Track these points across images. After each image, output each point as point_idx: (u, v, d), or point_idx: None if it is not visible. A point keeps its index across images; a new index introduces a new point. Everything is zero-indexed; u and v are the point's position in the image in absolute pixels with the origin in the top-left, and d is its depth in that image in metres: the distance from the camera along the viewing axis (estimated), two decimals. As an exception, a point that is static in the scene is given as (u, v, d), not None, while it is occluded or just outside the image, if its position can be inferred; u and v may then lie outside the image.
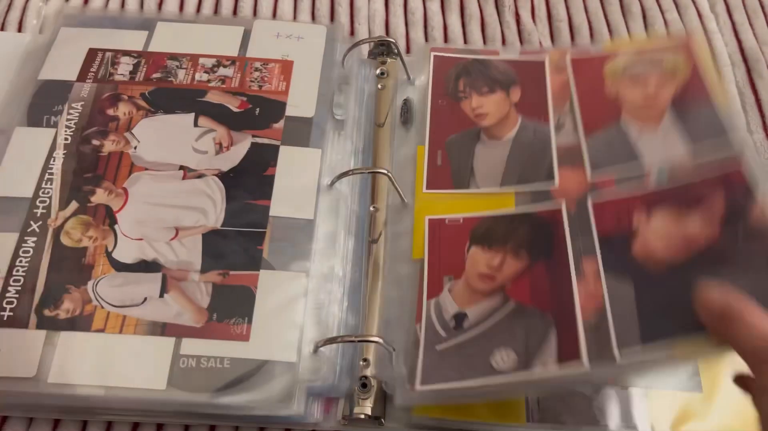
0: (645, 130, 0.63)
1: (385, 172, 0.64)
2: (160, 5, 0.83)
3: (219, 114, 0.66)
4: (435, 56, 0.73)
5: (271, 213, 0.61)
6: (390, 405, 0.57)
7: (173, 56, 0.70)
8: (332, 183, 0.64)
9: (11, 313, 0.55)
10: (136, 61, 0.70)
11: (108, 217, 0.60)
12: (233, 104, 0.67)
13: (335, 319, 0.58)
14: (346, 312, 0.59)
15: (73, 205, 0.60)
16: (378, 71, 0.73)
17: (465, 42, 0.81)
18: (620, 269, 0.55)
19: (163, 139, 0.65)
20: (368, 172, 0.66)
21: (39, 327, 0.55)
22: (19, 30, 0.79)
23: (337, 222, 0.62)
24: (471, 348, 0.55)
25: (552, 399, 0.57)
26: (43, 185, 0.61)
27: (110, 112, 0.66)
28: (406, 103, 0.71)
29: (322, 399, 0.57)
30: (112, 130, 0.65)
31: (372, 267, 0.62)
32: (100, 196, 0.61)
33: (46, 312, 0.56)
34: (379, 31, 0.81)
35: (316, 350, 0.55)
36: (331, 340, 0.55)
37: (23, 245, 0.58)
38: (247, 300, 0.57)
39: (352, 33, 0.81)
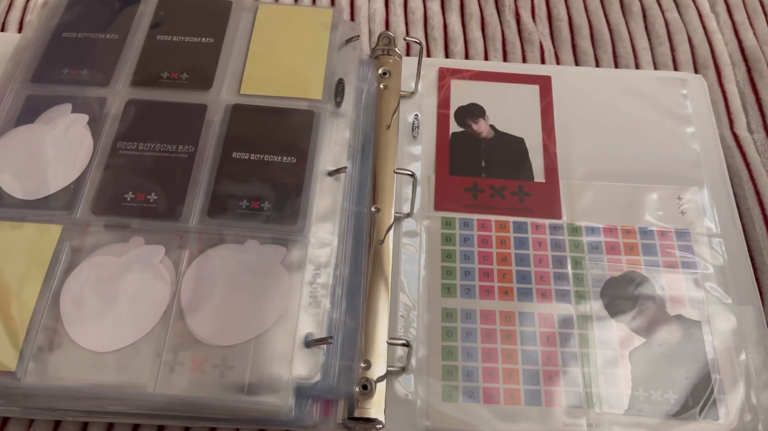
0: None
1: (411, 173, 0.65)
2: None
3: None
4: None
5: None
6: (390, 408, 0.57)
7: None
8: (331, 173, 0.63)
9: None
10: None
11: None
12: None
13: (333, 320, 0.58)
14: (345, 314, 0.59)
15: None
16: (380, 71, 0.73)
17: (465, 42, 0.81)
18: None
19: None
20: (403, 174, 0.66)
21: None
22: (20, 30, 0.80)
23: (336, 218, 0.62)
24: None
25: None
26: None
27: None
28: (417, 118, 0.72)
29: (320, 401, 0.57)
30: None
31: (374, 268, 0.62)
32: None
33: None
34: (379, 30, 0.81)
35: (308, 346, 0.55)
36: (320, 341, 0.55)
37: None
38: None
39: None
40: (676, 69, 0.80)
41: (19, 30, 0.80)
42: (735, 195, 0.70)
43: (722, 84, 0.78)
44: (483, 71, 0.76)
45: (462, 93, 0.74)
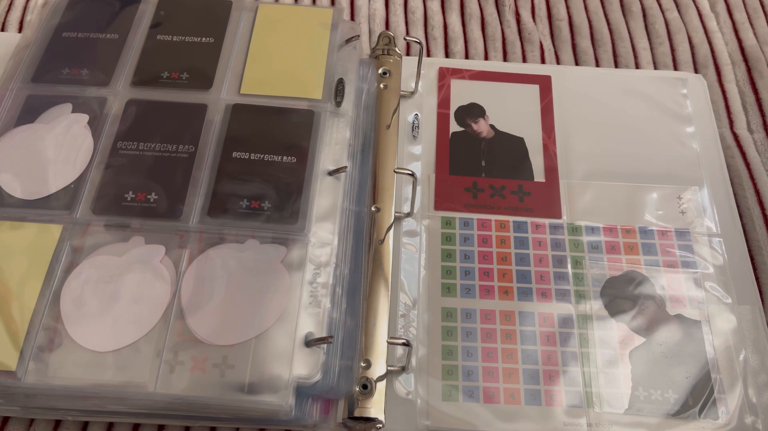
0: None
1: (411, 172, 0.65)
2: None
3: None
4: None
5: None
6: (389, 407, 0.58)
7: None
8: (332, 173, 0.63)
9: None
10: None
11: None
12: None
13: (333, 320, 0.57)
14: (345, 314, 0.59)
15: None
16: (380, 71, 0.73)
17: (465, 41, 0.81)
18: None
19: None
20: (403, 173, 0.66)
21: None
22: (20, 30, 0.80)
23: (336, 218, 0.61)
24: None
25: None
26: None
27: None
28: (417, 118, 0.72)
29: (321, 400, 0.57)
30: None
31: (374, 268, 0.62)
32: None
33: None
34: (379, 29, 0.81)
35: (308, 345, 0.55)
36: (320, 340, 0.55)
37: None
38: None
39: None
40: (676, 69, 0.80)
41: (20, 30, 0.80)
42: (735, 195, 0.70)
43: (722, 84, 0.79)
44: (483, 71, 0.76)
45: (462, 93, 0.74)
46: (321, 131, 0.64)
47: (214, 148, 0.63)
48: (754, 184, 0.71)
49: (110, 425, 0.59)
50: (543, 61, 0.80)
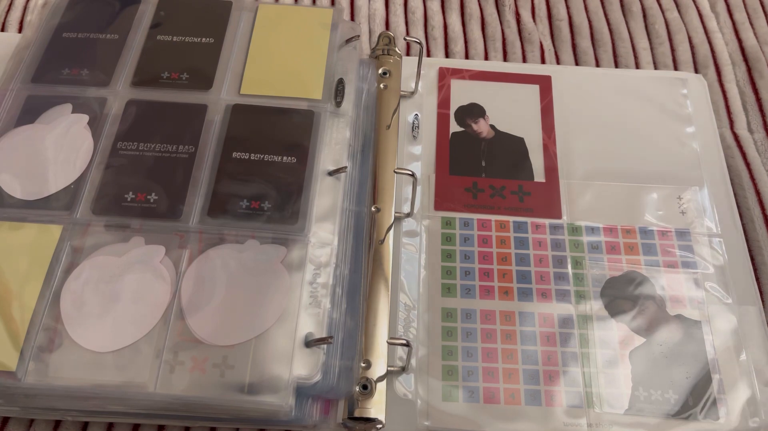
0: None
1: (411, 173, 0.65)
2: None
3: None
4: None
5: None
6: (390, 407, 0.58)
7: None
8: (332, 173, 0.63)
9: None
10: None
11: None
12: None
13: (333, 320, 0.57)
14: (345, 314, 0.58)
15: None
16: (380, 71, 0.73)
17: (465, 41, 0.81)
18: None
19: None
20: (403, 173, 0.66)
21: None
22: (20, 31, 0.80)
23: (336, 218, 0.61)
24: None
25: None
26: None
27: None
28: (417, 118, 0.72)
29: (321, 401, 0.57)
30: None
31: (374, 268, 0.62)
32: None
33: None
34: (379, 29, 0.81)
35: (308, 346, 0.55)
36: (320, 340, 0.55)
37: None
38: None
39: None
40: (676, 69, 0.80)
41: (20, 30, 0.80)
42: (735, 195, 0.70)
43: (722, 84, 0.79)
44: (483, 71, 0.76)
45: (462, 93, 0.74)
46: (321, 131, 0.64)
47: (214, 149, 0.63)
48: (754, 184, 0.71)
49: (110, 425, 0.59)
50: (543, 61, 0.80)
